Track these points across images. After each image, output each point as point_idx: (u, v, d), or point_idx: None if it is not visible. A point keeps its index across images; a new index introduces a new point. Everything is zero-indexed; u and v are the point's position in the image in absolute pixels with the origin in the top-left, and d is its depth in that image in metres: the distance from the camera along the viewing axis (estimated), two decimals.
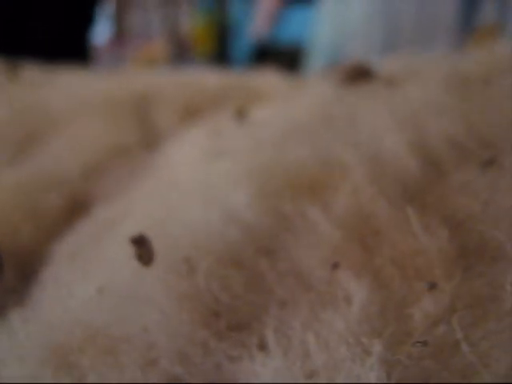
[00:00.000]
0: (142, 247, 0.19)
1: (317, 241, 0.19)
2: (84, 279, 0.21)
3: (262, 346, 0.17)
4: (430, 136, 0.24)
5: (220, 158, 0.25)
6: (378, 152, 0.23)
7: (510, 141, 0.23)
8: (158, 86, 0.40)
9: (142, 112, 0.38)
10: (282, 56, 1.74)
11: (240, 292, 0.18)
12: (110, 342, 0.19)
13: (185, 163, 0.27)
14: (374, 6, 1.28)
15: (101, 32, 2.10)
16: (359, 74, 0.32)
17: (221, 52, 2.09)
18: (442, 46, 1.11)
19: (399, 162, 0.22)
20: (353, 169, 0.22)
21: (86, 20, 1.30)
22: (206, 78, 0.41)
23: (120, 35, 2.49)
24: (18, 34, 1.14)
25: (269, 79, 0.41)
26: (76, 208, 0.31)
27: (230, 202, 0.21)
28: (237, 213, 0.20)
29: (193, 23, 2.23)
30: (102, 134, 0.36)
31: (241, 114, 0.30)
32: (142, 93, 0.39)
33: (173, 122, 0.37)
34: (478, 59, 0.33)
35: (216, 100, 0.39)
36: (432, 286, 0.16)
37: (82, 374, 0.19)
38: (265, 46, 1.84)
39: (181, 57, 2.20)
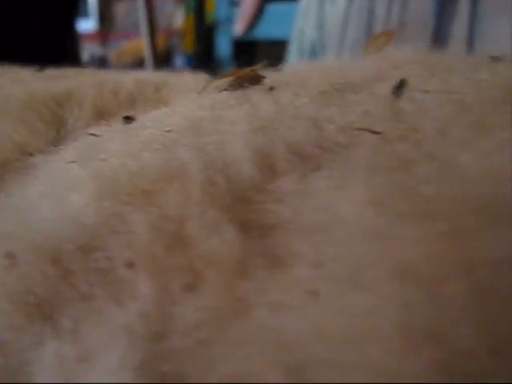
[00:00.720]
0: None
1: (130, 242, 0.20)
2: None
3: (55, 335, 0.18)
4: (278, 143, 0.25)
5: (83, 161, 0.26)
6: (223, 157, 0.25)
7: (346, 148, 0.24)
8: (79, 85, 0.42)
9: (57, 112, 0.40)
10: (264, 52, 1.76)
11: (52, 286, 0.20)
12: None
13: (58, 164, 0.28)
14: (351, 3, 1.29)
15: (85, 24, 2.12)
16: (247, 80, 0.34)
17: (204, 49, 2.11)
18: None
19: (238, 168, 0.24)
20: (191, 175, 0.24)
21: (69, 11, 1.31)
22: (125, 78, 0.42)
23: (105, 28, 2.50)
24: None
25: (184, 80, 0.42)
26: None
27: (69, 202, 0.23)
28: (71, 213, 0.22)
29: (179, 19, 2.25)
30: (13, 134, 0.37)
31: (129, 118, 0.32)
32: (61, 93, 0.41)
33: (84, 123, 0.39)
34: (361, 66, 0.34)
35: (131, 100, 0.41)
36: (192, 287, 0.17)
37: None
38: (247, 42, 1.85)
39: (167, 53, 2.22)
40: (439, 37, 1.18)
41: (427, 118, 0.24)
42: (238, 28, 1.86)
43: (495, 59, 0.33)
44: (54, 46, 1.17)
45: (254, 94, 0.31)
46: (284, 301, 0.16)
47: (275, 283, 0.17)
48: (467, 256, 0.15)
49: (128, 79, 0.42)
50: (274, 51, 1.62)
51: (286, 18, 1.53)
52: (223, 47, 1.97)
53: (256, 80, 0.34)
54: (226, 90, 0.34)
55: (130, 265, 0.19)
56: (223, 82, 0.34)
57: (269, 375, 0.14)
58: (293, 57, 1.40)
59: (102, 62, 2.31)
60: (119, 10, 2.46)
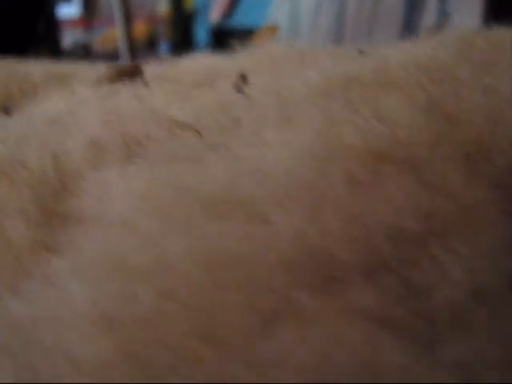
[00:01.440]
0: None
1: None
2: None
3: None
4: (115, 136, 0.27)
5: None
6: (62, 150, 0.27)
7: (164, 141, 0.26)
8: None
9: None
10: (240, 41, 1.76)
11: None
12: None
13: None
14: None
15: (68, 9, 2.13)
16: (125, 74, 0.35)
17: (183, 36, 2.11)
18: (384, 39, 1.15)
19: (69, 159, 0.26)
20: (25, 167, 0.26)
21: None
22: (34, 70, 0.44)
23: (89, 13, 2.50)
24: None
25: (90, 72, 0.44)
26: None
27: None
28: None
29: (163, 6, 2.26)
30: None
31: (7, 110, 0.34)
32: None
33: None
34: (235, 60, 0.36)
35: (34, 93, 0.42)
36: None
37: None
38: (223, 30, 1.86)
39: (152, 39, 2.23)
40: (409, 30, 1.19)
41: (248, 112, 0.26)
42: (214, 16, 1.87)
43: (362, 53, 0.34)
44: (22, 31, 1.16)
45: (123, 88, 0.33)
46: (31, 290, 0.18)
47: (39, 273, 0.19)
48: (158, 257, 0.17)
49: (36, 70, 0.44)
50: (250, 39, 1.63)
51: (263, 6, 1.54)
52: (201, 35, 1.98)
53: (136, 74, 0.36)
54: (107, 83, 0.36)
55: None
56: (105, 75, 0.36)
57: None
58: None
59: (85, 49, 2.33)
60: None
